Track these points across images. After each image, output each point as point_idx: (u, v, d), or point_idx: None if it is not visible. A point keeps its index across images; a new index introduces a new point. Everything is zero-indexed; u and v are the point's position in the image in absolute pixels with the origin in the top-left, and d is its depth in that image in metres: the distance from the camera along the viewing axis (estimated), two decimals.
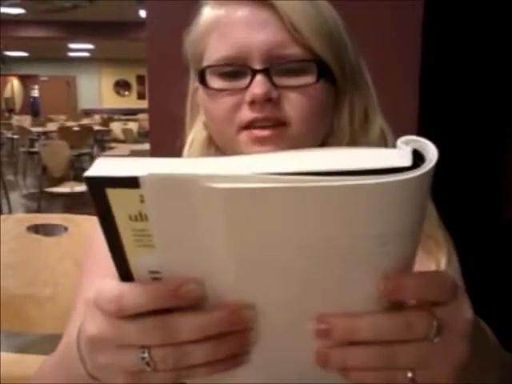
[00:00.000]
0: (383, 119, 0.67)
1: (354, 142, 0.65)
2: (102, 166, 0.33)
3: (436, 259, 0.62)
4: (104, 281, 0.38)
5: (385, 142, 0.66)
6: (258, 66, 0.60)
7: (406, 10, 1.26)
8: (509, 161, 1.50)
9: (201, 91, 0.66)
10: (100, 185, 0.32)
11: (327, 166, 0.32)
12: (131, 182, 0.32)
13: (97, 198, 0.33)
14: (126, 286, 0.37)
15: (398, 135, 0.66)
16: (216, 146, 0.68)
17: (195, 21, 0.66)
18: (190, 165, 0.34)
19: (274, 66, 0.60)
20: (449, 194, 0.93)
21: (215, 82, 0.62)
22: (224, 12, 0.62)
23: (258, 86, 0.59)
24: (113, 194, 0.32)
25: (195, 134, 0.70)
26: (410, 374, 0.37)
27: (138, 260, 0.36)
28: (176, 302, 0.36)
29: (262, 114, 0.60)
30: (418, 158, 0.33)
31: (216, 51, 0.62)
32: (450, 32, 1.41)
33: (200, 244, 0.34)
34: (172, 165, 0.34)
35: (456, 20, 1.41)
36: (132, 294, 0.36)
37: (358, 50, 0.66)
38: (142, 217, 0.33)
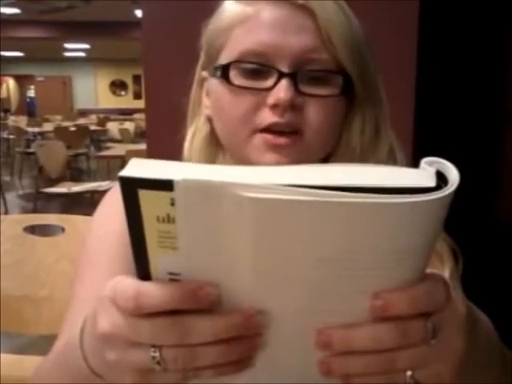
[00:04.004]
0: (394, 137, 0.67)
1: (362, 156, 0.64)
2: (136, 167, 0.33)
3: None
4: (121, 278, 0.38)
5: (394, 161, 0.65)
6: (285, 69, 0.59)
7: (403, 7, 1.26)
8: (504, 161, 1.50)
9: (216, 85, 0.64)
10: (133, 185, 0.33)
11: (355, 181, 0.33)
12: (165, 185, 0.32)
13: (127, 198, 0.34)
14: (145, 285, 0.36)
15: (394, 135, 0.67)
16: (216, 143, 0.67)
17: (216, 14, 0.65)
18: (222, 172, 0.34)
19: (301, 72, 0.59)
20: None
21: (237, 79, 0.61)
22: (253, 9, 0.61)
23: (284, 90, 0.58)
24: (144, 195, 0.33)
25: (196, 128, 0.69)
26: (409, 373, 0.38)
27: (158, 260, 0.36)
28: (194, 303, 0.36)
29: (284, 119, 0.59)
30: (439, 178, 0.34)
31: (241, 44, 0.61)
32: (446, 29, 1.41)
33: (222, 250, 0.35)
34: (205, 171, 0.34)
35: (452, 16, 1.42)
36: (151, 293, 0.36)
37: (377, 65, 0.66)
38: (169, 219, 0.34)
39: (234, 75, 0.61)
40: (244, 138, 0.61)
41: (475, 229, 1.40)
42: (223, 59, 0.63)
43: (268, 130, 0.60)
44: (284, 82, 0.59)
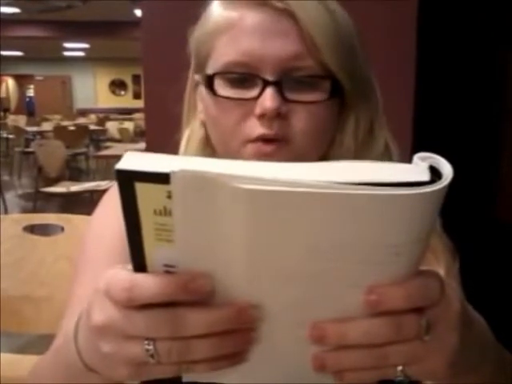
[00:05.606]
0: (389, 134, 0.66)
1: (357, 156, 0.64)
2: (132, 160, 0.33)
3: None
4: (116, 270, 0.38)
5: (389, 158, 0.65)
6: (270, 77, 0.58)
7: (400, 9, 1.26)
8: (504, 159, 1.50)
9: (205, 95, 0.63)
10: (130, 178, 0.33)
11: (348, 176, 0.33)
12: (161, 178, 0.32)
13: (124, 191, 0.34)
14: (138, 276, 0.37)
15: (393, 135, 0.67)
16: (211, 146, 0.67)
17: (203, 17, 0.64)
18: (218, 165, 0.34)
19: (286, 79, 0.58)
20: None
21: (223, 89, 0.60)
22: (237, 15, 0.60)
23: (269, 99, 0.57)
24: (141, 188, 0.33)
25: (192, 131, 0.70)
26: (400, 367, 0.38)
27: (154, 253, 0.36)
28: (187, 295, 0.36)
29: (272, 131, 0.59)
30: (432, 173, 0.34)
31: (225, 55, 0.60)
32: (445, 27, 1.41)
33: (217, 242, 0.35)
34: (201, 163, 0.34)
35: (451, 13, 1.42)
36: (144, 284, 0.36)
37: (369, 61, 0.65)
38: (166, 212, 0.34)
39: (220, 85, 0.61)
40: (236, 147, 0.61)
41: (475, 227, 1.40)
42: (210, 68, 0.62)
43: (258, 139, 0.60)
44: (269, 91, 0.58)
